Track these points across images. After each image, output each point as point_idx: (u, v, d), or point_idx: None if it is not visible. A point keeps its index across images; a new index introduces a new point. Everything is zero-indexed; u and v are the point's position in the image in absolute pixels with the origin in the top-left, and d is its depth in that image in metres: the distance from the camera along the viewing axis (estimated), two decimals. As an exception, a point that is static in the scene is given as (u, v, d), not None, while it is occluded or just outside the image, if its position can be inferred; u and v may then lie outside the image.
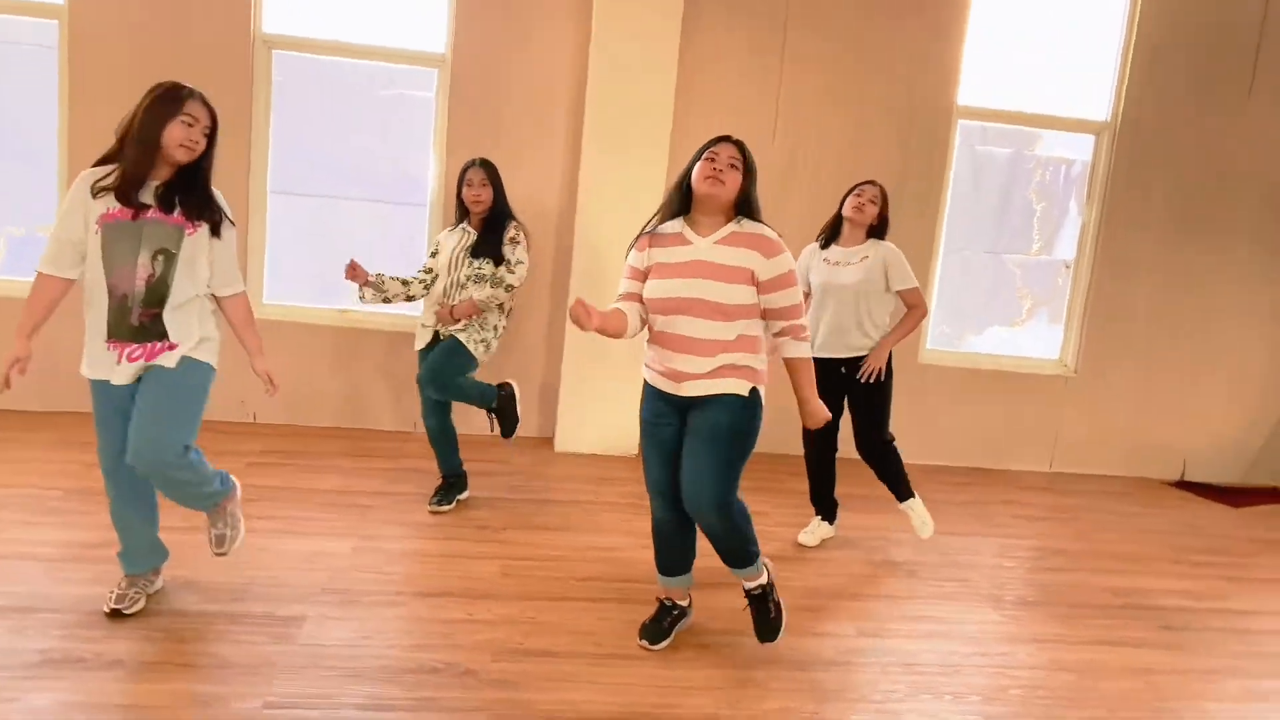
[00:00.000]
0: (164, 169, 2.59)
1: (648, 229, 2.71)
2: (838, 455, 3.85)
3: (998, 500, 4.79)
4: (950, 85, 5.08)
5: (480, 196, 3.75)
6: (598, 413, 4.86)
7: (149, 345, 2.59)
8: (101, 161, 2.61)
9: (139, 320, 2.57)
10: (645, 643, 2.80)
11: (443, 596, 3.05)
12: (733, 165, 2.57)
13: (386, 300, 3.81)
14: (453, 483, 3.91)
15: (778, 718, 2.49)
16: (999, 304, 5.45)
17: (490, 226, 3.78)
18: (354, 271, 3.67)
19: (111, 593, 2.76)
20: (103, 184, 2.54)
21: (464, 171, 3.79)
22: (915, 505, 3.87)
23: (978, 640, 3.09)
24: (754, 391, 2.63)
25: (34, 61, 4.57)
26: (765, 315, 2.65)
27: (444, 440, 3.89)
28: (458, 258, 3.76)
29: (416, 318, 4.87)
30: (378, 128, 4.89)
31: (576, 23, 4.76)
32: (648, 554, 3.47)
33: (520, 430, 5.00)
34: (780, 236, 2.63)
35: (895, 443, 3.79)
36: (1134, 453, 5.48)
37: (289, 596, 2.95)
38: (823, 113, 5.00)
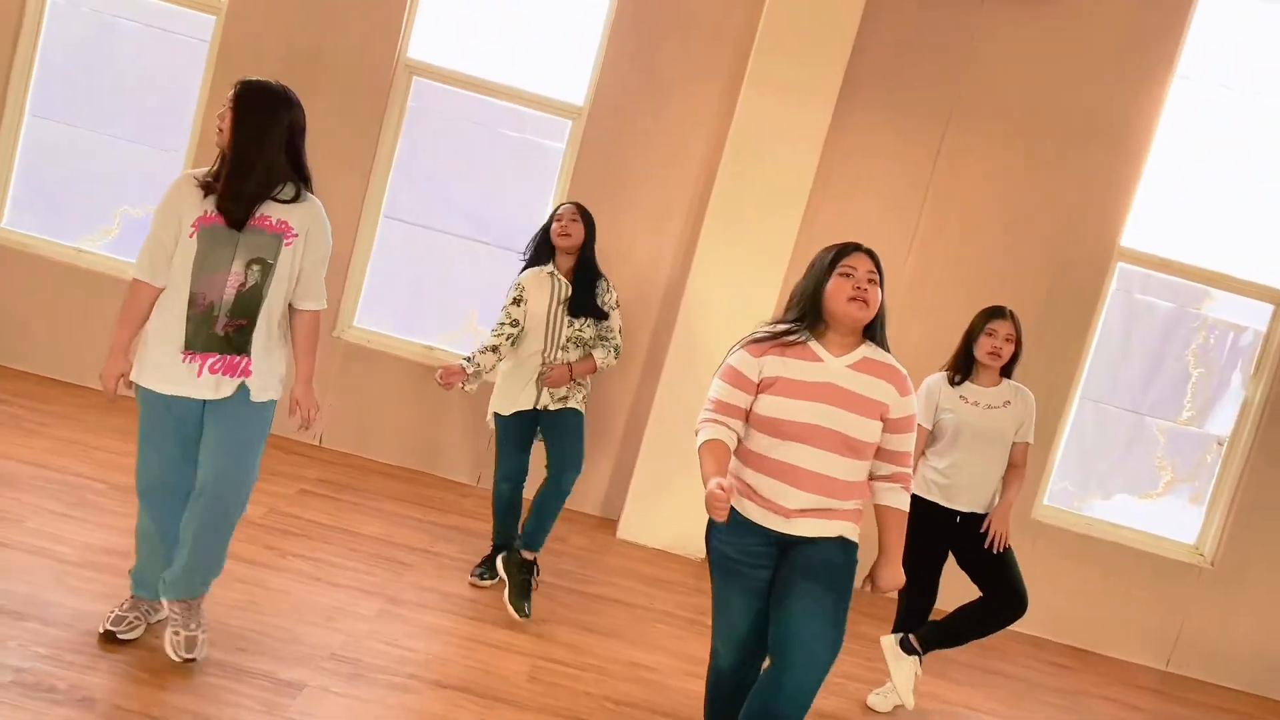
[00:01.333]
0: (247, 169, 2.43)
1: (768, 332, 2.30)
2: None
3: (1095, 694, 4.17)
4: (1115, 224, 4.62)
5: (569, 230, 3.44)
6: (668, 506, 4.50)
7: (230, 358, 2.42)
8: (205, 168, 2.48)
9: (224, 330, 2.40)
10: None
11: (459, 691, 2.72)
12: (872, 281, 2.23)
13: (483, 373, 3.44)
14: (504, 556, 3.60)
15: None
16: (1134, 470, 4.86)
17: (585, 280, 3.49)
18: (449, 376, 3.27)
19: (111, 612, 2.54)
20: (203, 188, 2.41)
21: (555, 210, 3.53)
22: (905, 665, 3.24)
23: None
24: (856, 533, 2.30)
25: (186, 52, 4.61)
26: (879, 455, 2.27)
27: (513, 510, 3.59)
28: (556, 314, 3.46)
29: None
30: (499, 169, 4.75)
31: (723, 89, 4.53)
32: (693, 684, 3.09)
33: (583, 508, 4.74)
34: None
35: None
36: (1266, 670, 4.75)
37: (295, 656, 2.67)
38: (967, 231, 4.61)
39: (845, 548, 2.24)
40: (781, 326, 2.28)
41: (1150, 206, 4.66)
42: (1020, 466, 3.29)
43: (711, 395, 2.28)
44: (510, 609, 3.25)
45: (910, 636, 3.27)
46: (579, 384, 3.54)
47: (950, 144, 4.58)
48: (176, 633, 2.48)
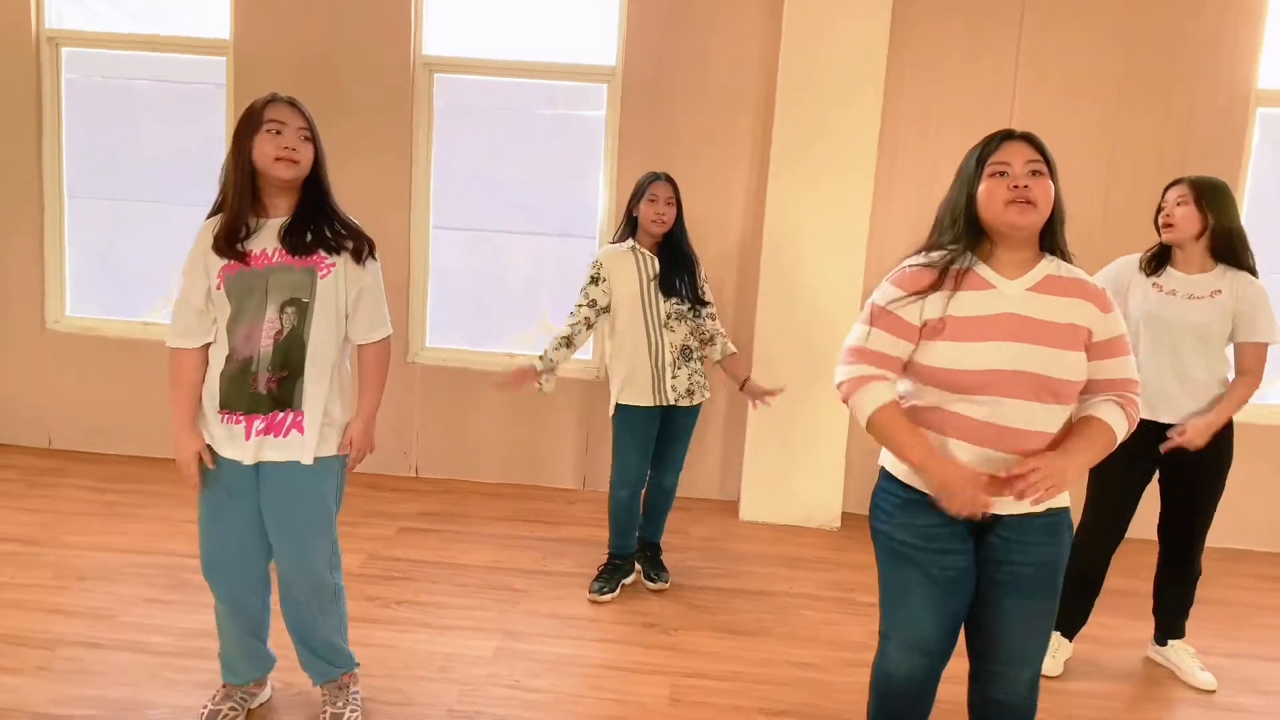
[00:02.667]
0: (280, 202, 2.14)
1: (922, 262, 1.84)
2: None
3: (1331, 604, 3.59)
4: (1247, 64, 3.96)
5: (665, 216, 3.10)
6: (793, 477, 4.10)
7: (274, 416, 2.14)
8: (216, 212, 2.19)
9: (265, 387, 2.12)
10: None
11: (594, 731, 2.41)
12: (1034, 172, 1.76)
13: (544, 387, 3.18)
14: (619, 564, 3.30)
15: None
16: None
17: (675, 258, 3.15)
18: (519, 378, 3.06)
19: (205, 708, 2.33)
20: (216, 235, 2.12)
21: (645, 185, 3.13)
22: (1183, 652, 2.90)
23: None
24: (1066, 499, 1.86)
25: (205, 100, 4.44)
26: (1089, 389, 1.81)
27: (634, 518, 3.29)
28: (649, 292, 3.12)
29: (582, 360, 4.36)
30: (542, 153, 4.41)
31: (767, 21, 4.08)
32: (858, 678, 2.71)
33: (699, 493, 4.39)
34: None
35: (1200, 562, 2.84)
36: None
37: (410, 718, 2.41)
38: (1072, 114, 4.02)
39: (1056, 531, 1.82)
40: (936, 254, 1.83)
41: (1286, 35, 3.98)
42: (1253, 373, 2.68)
43: (858, 343, 1.85)
44: (650, 586, 3.30)
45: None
46: (698, 364, 3.22)
47: (1030, 14, 4.00)
48: (323, 710, 2.34)
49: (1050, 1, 3.99)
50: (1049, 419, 1.75)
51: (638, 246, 3.15)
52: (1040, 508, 1.78)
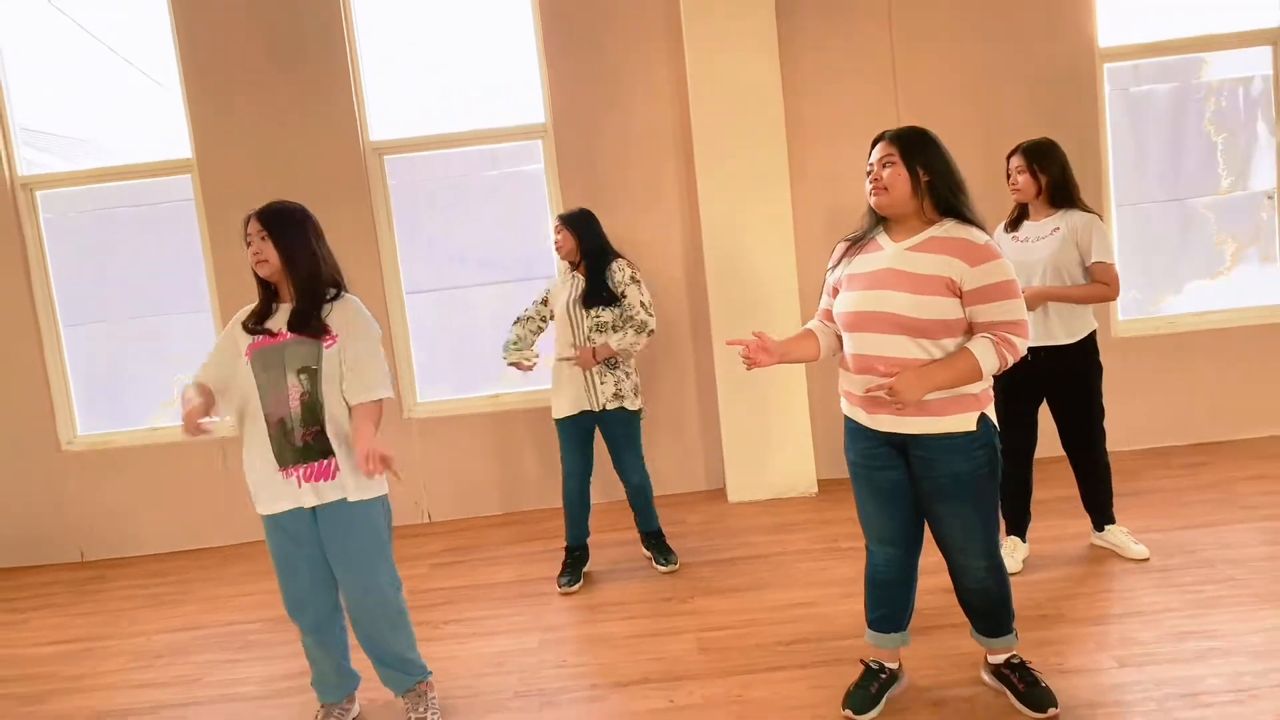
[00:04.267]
0: (286, 289, 2.58)
1: (847, 236, 2.45)
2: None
3: (1244, 476, 4.14)
4: (1087, 26, 4.58)
5: (561, 244, 3.68)
6: (767, 456, 4.58)
7: (317, 464, 2.54)
8: None
9: (303, 440, 2.53)
10: (850, 712, 2.48)
11: (640, 684, 2.83)
12: (887, 164, 2.27)
13: (532, 361, 3.73)
14: (577, 555, 3.76)
15: (1048, 786, 2.11)
16: (1195, 255, 4.80)
17: (594, 271, 3.65)
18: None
19: (310, 727, 2.70)
20: (244, 319, 2.60)
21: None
22: (1117, 533, 3.42)
23: (1270, 653, 2.58)
24: (983, 421, 2.28)
25: (178, 216, 4.83)
26: (975, 329, 2.26)
27: (583, 506, 3.77)
28: (573, 310, 3.62)
29: (546, 389, 4.78)
30: (494, 211, 4.88)
31: (670, 64, 4.61)
32: (851, 604, 3.17)
33: (689, 487, 4.85)
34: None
35: (1106, 456, 3.35)
36: (1400, 393, 4.66)
37: (485, 706, 2.82)
38: (946, 92, 4.60)
39: (968, 450, 2.26)
40: (856, 232, 2.42)
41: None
42: (1107, 285, 3.18)
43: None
44: (660, 569, 3.74)
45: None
46: (624, 374, 3.66)
47: (897, 6, 4.58)
48: (408, 716, 2.72)
49: (910, 11, 4.57)
50: (919, 351, 2.21)
51: (576, 274, 3.70)
52: (938, 430, 2.24)
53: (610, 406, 3.64)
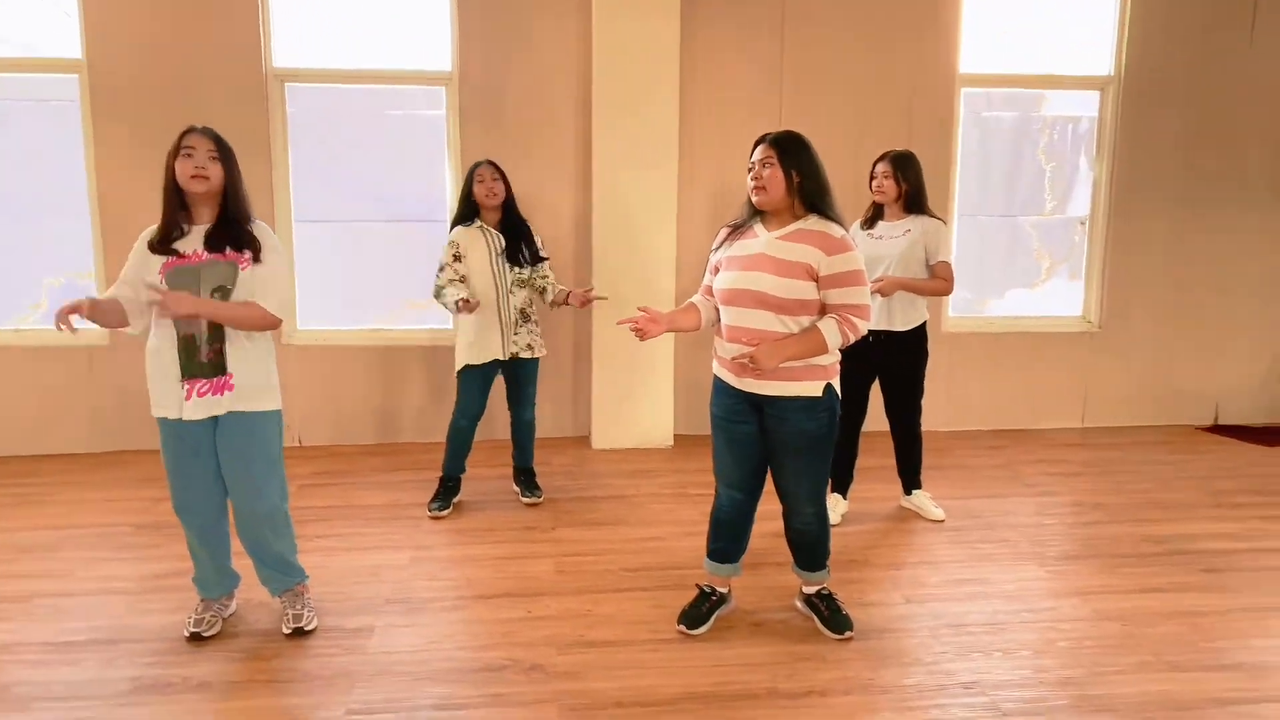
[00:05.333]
0: (204, 210, 2.71)
1: (730, 223, 2.82)
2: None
3: (1031, 460, 4.85)
4: (951, 55, 5.12)
5: (495, 190, 3.85)
6: (631, 409, 4.97)
7: (216, 380, 2.70)
8: None
9: (207, 357, 2.69)
10: (683, 627, 2.90)
11: (502, 597, 3.17)
12: (767, 165, 2.64)
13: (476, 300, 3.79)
14: (451, 485, 4.05)
15: (835, 685, 2.59)
16: (1017, 266, 5.49)
17: (514, 229, 3.91)
18: (468, 306, 3.69)
19: (189, 618, 2.90)
20: (151, 239, 2.69)
21: (472, 170, 3.88)
22: (921, 497, 3.99)
23: (1023, 597, 3.17)
24: (828, 389, 2.71)
25: (60, 117, 4.72)
26: (826, 310, 2.66)
27: (468, 446, 4.03)
28: (497, 265, 3.86)
29: (442, 330, 5.02)
30: (392, 150, 5.01)
31: (577, 25, 4.85)
32: (693, 541, 3.60)
33: (557, 433, 5.19)
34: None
35: (920, 431, 3.92)
36: (1165, 401, 5.51)
37: (355, 609, 3.08)
38: (827, 93, 5.05)
39: (813, 412, 2.68)
40: (738, 220, 2.79)
41: (977, 31, 5.15)
42: (945, 280, 3.71)
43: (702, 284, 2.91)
44: (526, 500, 4.08)
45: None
46: (535, 324, 4.00)
47: (791, 9, 4.98)
48: (285, 614, 2.94)
49: (802, 14, 4.98)
50: (780, 325, 2.62)
51: (485, 225, 3.88)
52: (791, 393, 2.66)
53: (523, 355, 3.93)
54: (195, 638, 2.86)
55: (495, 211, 3.91)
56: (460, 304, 3.68)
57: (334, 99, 4.93)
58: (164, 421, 2.75)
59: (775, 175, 2.64)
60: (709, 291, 2.87)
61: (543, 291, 4.02)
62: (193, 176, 2.65)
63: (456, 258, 3.86)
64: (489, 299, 3.85)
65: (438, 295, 3.85)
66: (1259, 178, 5.33)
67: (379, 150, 5.00)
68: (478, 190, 3.85)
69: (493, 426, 4.69)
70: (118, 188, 4.64)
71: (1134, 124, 5.22)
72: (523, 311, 3.94)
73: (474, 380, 3.95)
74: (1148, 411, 5.51)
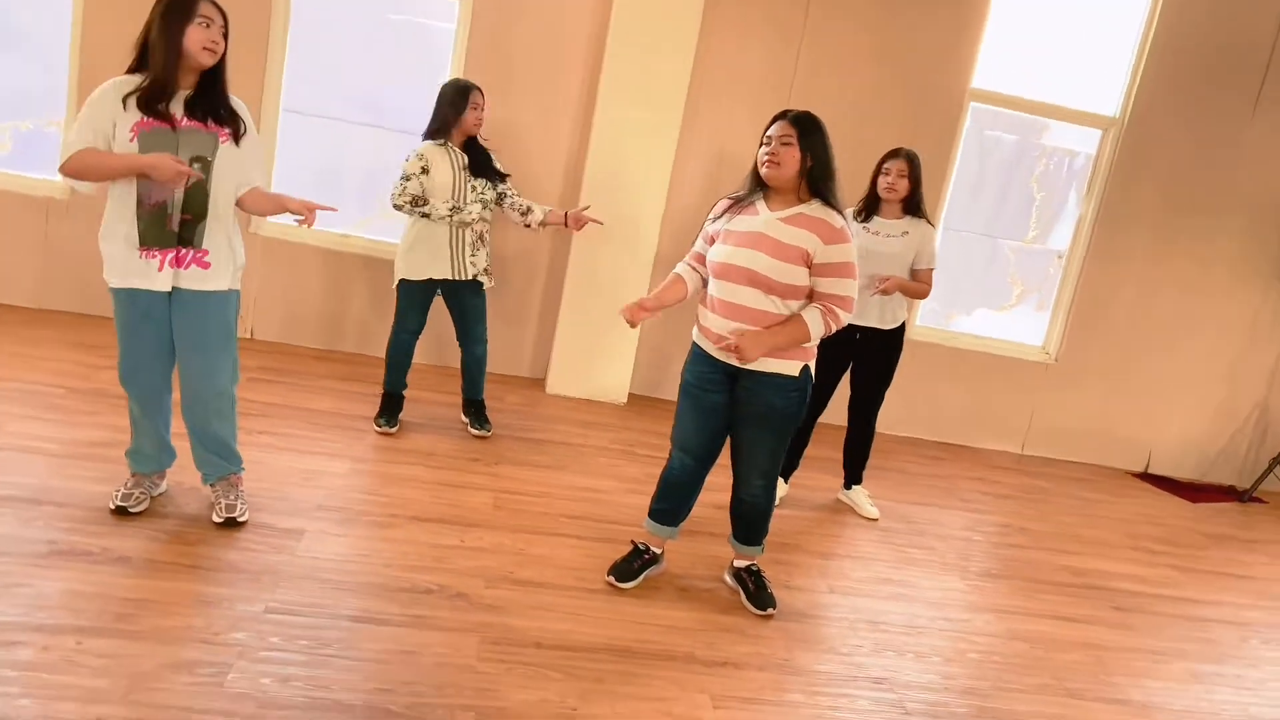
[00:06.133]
0: (189, 76, 2.60)
1: (731, 195, 2.79)
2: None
3: (968, 476, 4.96)
4: (966, 68, 5.12)
5: (483, 120, 3.83)
6: (591, 360, 4.96)
7: (182, 250, 2.62)
8: (128, 74, 2.61)
9: (176, 225, 2.61)
10: (613, 579, 2.92)
11: (436, 523, 3.16)
12: (784, 143, 2.61)
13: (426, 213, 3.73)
14: (396, 400, 4.00)
15: (752, 660, 2.65)
16: (990, 287, 5.57)
17: (476, 147, 3.86)
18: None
19: (117, 491, 2.84)
20: (131, 94, 2.55)
21: (465, 91, 3.77)
22: (860, 494, 4.06)
23: (941, 605, 3.26)
24: (804, 370, 2.74)
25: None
26: (813, 297, 2.68)
27: (408, 357, 3.98)
28: (460, 180, 3.78)
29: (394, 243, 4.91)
30: (390, 54, 4.86)
31: (603, -33, 4.74)
32: (634, 499, 3.62)
33: (514, 370, 5.16)
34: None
35: (874, 428, 3.99)
36: (1103, 442, 5.67)
37: (288, 510, 3.05)
38: (840, 78, 5.03)
39: (782, 388, 2.70)
40: (740, 192, 2.75)
41: (995, 48, 5.16)
42: (926, 285, 3.78)
43: (691, 250, 2.88)
44: (474, 432, 4.06)
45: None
46: (489, 251, 3.90)
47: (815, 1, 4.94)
48: (217, 502, 2.88)
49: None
50: (770, 305, 2.63)
51: (450, 144, 3.81)
52: (768, 369, 2.68)
53: (479, 279, 3.86)
54: (121, 511, 2.80)
55: (464, 136, 3.84)
56: (453, 211, 3.71)
57: (343, -9, 4.76)
58: (118, 289, 2.67)
59: (791, 154, 2.62)
60: (699, 260, 2.85)
61: (525, 212, 3.95)
62: (204, 48, 2.55)
63: (425, 171, 3.75)
64: (442, 215, 3.75)
65: (413, 205, 3.73)
66: (1235, 245, 5.46)
67: (379, 53, 4.85)
68: (469, 116, 3.77)
69: (445, 354, 4.64)
70: (101, 37, 4.42)
71: (1127, 169, 5.29)
72: (480, 235, 3.88)
73: (416, 296, 3.88)
74: (1085, 449, 5.66)
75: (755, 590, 2.96)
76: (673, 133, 4.75)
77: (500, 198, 3.93)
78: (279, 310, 4.95)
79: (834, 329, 2.68)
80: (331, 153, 4.96)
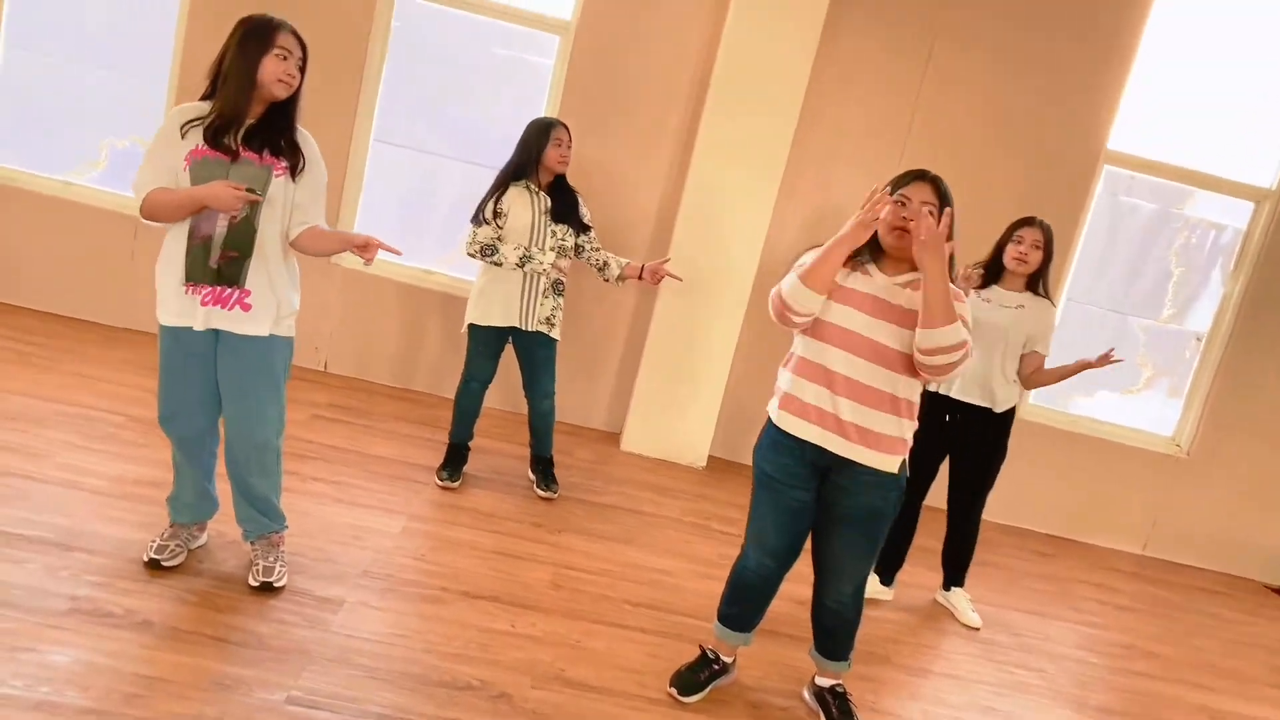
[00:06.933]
0: (256, 107, 2.43)
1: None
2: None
3: (1082, 579, 4.44)
4: (1102, 126, 4.67)
5: (568, 158, 3.57)
6: (670, 418, 4.64)
7: (221, 290, 2.43)
8: (204, 99, 2.45)
9: (217, 263, 2.42)
10: (675, 691, 2.58)
11: (488, 600, 2.87)
12: (926, 207, 2.27)
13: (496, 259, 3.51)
14: (462, 454, 3.78)
15: (830, 811, 2.26)
16: (1116, 367, 5.02)
17: (563, 191, 3.61)
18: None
19: (153, 542, 2.65)
20: (194, 123, 2.39)
21: (548, 128, 3.53)
22: (960, 597, 3.63)
23: (1054, 748, 2.81)
24: (903, 466, 2.40)
25: (160, -25, 4.48)
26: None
27: (476, 410, 3.77)
28: (539, 224, 3.53)
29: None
30: (489, 89, 4.69)
31: (712, 10, 4.48)
32: (706, 585, 3.27)
33: (588, 423, 4.89)
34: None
35: (979, 524, 3.59)
36: (1238, 550, 5.04)
37: (330, 574, 2.81)
38: (960, 134, 4.64)
39: (885, 487, 2.35)
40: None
41: (1136, 108, 4.70)
42: (1038, 370, 3.37)
43: (788, 278, 2.35)
44: (540, 493, 3.78)
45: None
46: (561, 300, 3.64)
47: (940, 48, 4.57)
48: (255, 563, 2.67)
49: (950, 47, 4.56)
50: (883, 380, 2.28)
51: (532, 185, 3.56)
52: (869, 463, 2.32)
53: (542, 330, 3.61)
54: (154, 565, 2.60)
55: (551, 175, 3.59)
56: (523, 260, 3.47)
57: (441, 22, 4.62)
58: (162, 326, 2.49)
59: (927, 227, 2.26)
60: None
61: (603, 266, 3.70)
62: (280, 80, 2.39)
63: (498, 214, 3.52)
64: (511, 257, 3.51)
65: (482, 253, 3.50)
66: (1404, 337, 4.82)
67: (474, 86, 4.69)
68: (551, 153, 3.52)
69: (520, 399, 4.39)
70: (202, 59, 4.37)
71: (1283, 247, 4.73)
72: (555, 282, 3.62)
73: (486, 343, 3.65)
74: (1218, 555, 5.05)
75: (839, 716, 2.58)
76: (772, 186, 4.43)
77: (578, 249, 3.67)
78: (355, 344, 4.79)
79: (963, 355, 2.21)
80: (420, 185, 4.81)
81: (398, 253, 2.56)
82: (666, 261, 3.73)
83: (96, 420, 3.51)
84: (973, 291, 3.42)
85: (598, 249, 3.71)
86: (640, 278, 3.70)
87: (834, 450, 2.34)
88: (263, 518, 2.70)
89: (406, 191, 4.81)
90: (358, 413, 4.30)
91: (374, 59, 4.55)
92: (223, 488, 2.79)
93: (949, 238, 2.27)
